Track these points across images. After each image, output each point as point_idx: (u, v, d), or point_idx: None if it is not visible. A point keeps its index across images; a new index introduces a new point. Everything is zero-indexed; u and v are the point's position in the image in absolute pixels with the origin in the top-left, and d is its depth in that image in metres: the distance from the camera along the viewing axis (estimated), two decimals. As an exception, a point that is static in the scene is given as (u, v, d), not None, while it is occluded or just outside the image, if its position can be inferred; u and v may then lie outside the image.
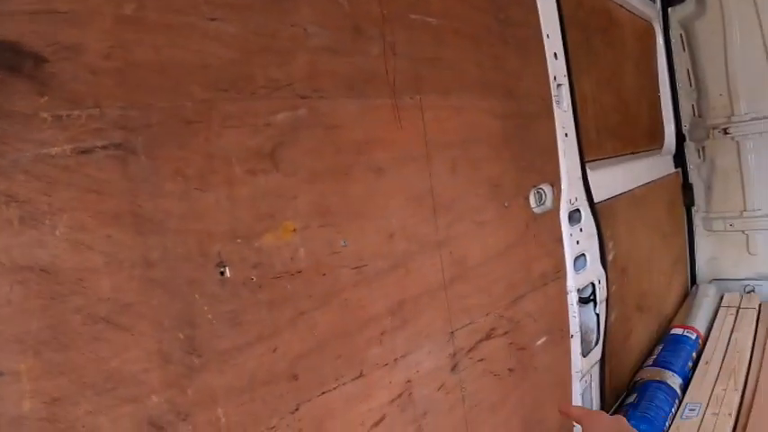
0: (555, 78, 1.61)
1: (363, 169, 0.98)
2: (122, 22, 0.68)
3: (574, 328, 1.58)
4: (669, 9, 3.09)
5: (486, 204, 1.29)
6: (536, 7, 1.58)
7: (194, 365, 0.72)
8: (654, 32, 2.97)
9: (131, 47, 0.69)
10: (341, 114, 0.96)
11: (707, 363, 2.27)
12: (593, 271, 1.70)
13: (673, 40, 3.12)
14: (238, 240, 0.78)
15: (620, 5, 2.51)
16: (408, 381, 1.06)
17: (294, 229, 0.86)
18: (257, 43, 0.84)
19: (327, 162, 0.92)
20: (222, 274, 0.76)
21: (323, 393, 0.89)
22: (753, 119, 3.01)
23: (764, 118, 2.99)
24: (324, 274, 0.90)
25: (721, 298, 3.01)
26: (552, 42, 1.62)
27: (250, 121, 0.81)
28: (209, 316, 0.74)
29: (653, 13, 2.92)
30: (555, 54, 1.63)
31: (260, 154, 0.82)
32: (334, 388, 0.91)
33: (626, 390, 2.08)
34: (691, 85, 3.17)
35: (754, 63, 2.99)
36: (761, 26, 2.94)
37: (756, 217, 3.10)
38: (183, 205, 0.72)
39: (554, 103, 1.60)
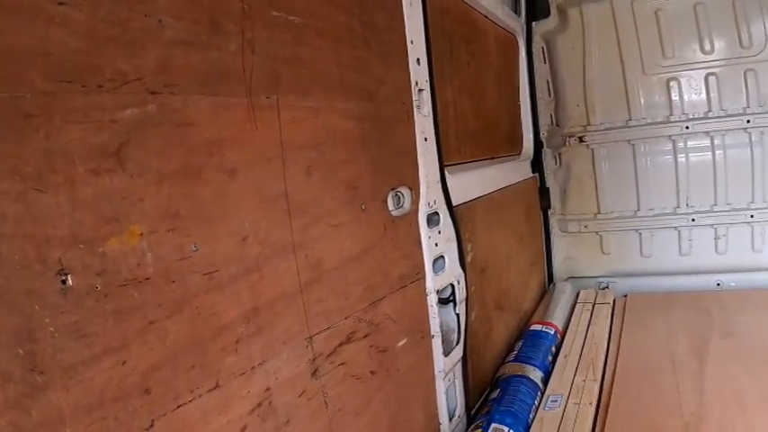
0: (417, 84, 1.80)
1: (215, 170, 1.04)
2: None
3: (434, 328, 1.79)
4: (533, 23, 3.60)
5: (343, 207, 1.42)
6: (402, 13, 1.75)
7: (37, 384, 0.73)
8: (517, 44, 3.42)
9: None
10: (193, 112, 1.00)
11: (566, 356, 2.66)
12: (452, 272, 1.93)
13: (535, 53, 3.63)
14: (81, 246, 0.79)
15: (486, 17, 2.85)
16: (268, 389, 1.14)
17: (141, 234, 0.89)
18: (107, 32, 0.85)
19: (177, 162, 0.96)
20: (64, 282, 0.77)
21: (178, 407, 0.94)
22: (607, 128, 3.62)
23: (618, 128, 3.61)
24: (173, 281, 0.94)
25: (578, 294, 3.53)
26: (416, 48, 1.81)
27: (95, 116, 0.82)
28: (51, 329, 0.75)
29: (517, 26, 3.37)
30: (418, 60, 1.82)
31: (105, 152, 0.83)
32: (190, 400, 0.96)
33: (490, 385, 2.37)
34: (550, 96, 3.72)
35: (610, 77, 3.59)
36: (619, 44, 3.55)
37: (609, 219, 3.72)
38: (20, 207, 0.72)
39: (414, 108, 1.78)
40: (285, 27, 1.24)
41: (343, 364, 1.38)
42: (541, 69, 3.69)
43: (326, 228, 1.36)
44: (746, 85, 3.38)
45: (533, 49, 3.63)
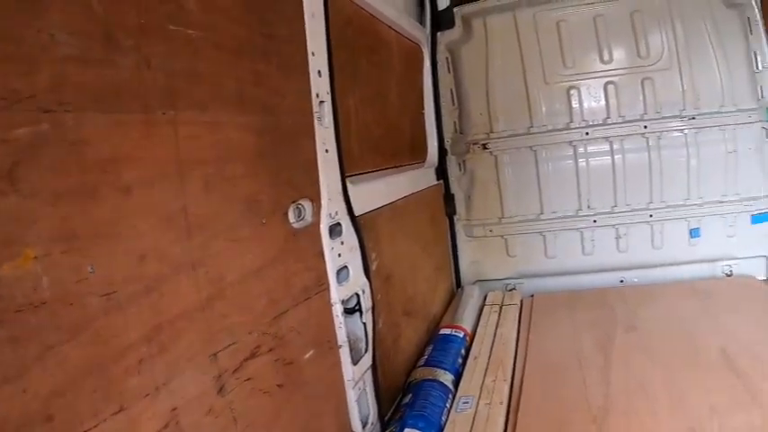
0: (318, 95, 1.87)
1: (111, 189, 1.06)
2: None
3: (341, 338, 1.88)
4: (438, 33, 3.82)
5: (243, 222, 1.47)
6: (303, 25, 1.82)
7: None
8: (422, 54, 3.61)
9: None
10: (88, 130, 1.01)
11: (476, 358, 2.84)
12: (357, 281, 2.03)
13: (439, 62, 3.84)
14: (-28, 273, 0.80)
15: (391, 27, 2.98)
16: (174, 409, 1.17)
17: (35, 257, 0.90)
18: (-2, 49, 0.85)
19: (72, 182, 0.98)
20: (-45, 312, 0.77)
21: (83, 433, 0.95)
22: (509, 135, 3.90)
23: (520, 135, 3.89)
24: (71, 304, 0.95)
25: (485, 297, 3.76)
26: (317, 60, 1.88)
27: (-15, 136, 0.82)
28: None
29: (422, 37, 3.56)
30: (319, 72, 1.89)
31: (-5, 173, 0.84)
32: (95, 426, 0.97)
33: (402, 391, 2.49)
34: (454, 104, 3.97)
35: (512, 86, 3.87)
36: (521, 54, 3.84)
37: (513, 223, 4.00)
38: None
39: (315, 120, 1.86)
40: (183, 41, 1.27)
41: (249, 379, 1.42)
42: (446, 78, 3.91)
43: (227, 243, 1.40)
44: (644, 92, 3.75)
45: (438, 59, 3.84)
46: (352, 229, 2.04)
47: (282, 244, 1.63)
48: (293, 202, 1.71)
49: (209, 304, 1.31)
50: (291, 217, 1.69)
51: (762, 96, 3.63)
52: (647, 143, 3.78)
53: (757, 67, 3.60)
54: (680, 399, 2.25)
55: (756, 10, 3.50)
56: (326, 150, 1.91)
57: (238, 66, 1.50)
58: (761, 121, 3.64)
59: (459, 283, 4.07)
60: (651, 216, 3.84)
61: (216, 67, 1.40)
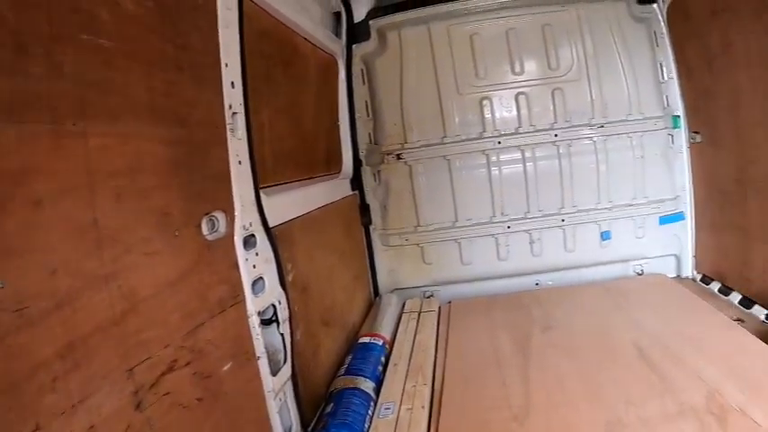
0: (231, 107, 1.91)
1: (21, 201, 1.07)
2: None
3: (259, 349, 1.92)
4: (354, 45, 3.93)
5: (156, 234, 1.49)
6: (217, 36, 1.85)
7: None
8: (337, 66, 3.72)
9: None
10: None
11: (396, 364, 2.95)
12: (273, 293, 2.08)
13: (354, 74, 3.96)
14: None
15: (307, 40, 3.06)
16: (91, 426, 1.18)
17: None
18: None
19: None
20: None
21: (-1, 454, 0.95)
22: (423, 145, 4.07)
23: (434, 145, 4.06)
24: None
25: (404, 305, 3.89)
26: (231, 71, 1.92)
27: None
28: None
29: (338, 49, 3.67)
30: (232, 83, 1.93)
31: None
32: None
33: (325, 400, 2.54)
34: (368, 116, 4.09)
35: (426, 97, 4.05)
36: (435, 66, 4.02)
37: (428, 231, 4.16)
38: None
39: (228, 132, 1.89)
40: (94, 51, 1.29)
41: (167, 393, 1.44)
42: (361, 90, 4.04)
43: (140, 256, 1.41)
44: (554, 102, 4.03)
45: (353, 71, 3.95)
46: (266, 241, 2.08)
47: (196, 256, 1.66)
48: (206, 213, 1.74)
49: (124, 319, 1.33)
50: (205, 229, 1.72)
51: (667, 105, 3.98)
52: (558, 151, 4.05)
53: (663, 78, 3.94)
54: (597, 392, 2.43)
55: (662, 24, 3.83)
56: (240, 162, 1.95)
57: (151, 76, 1.52)
58: (666, 128, 3.98)
59: (377, 292, 4.20)
60: (563, 221, 4.11)
61: (128, 78, 1.42)
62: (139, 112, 1.48)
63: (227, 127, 1.89)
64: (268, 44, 2.54)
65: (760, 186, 3.09)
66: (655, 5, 3.82)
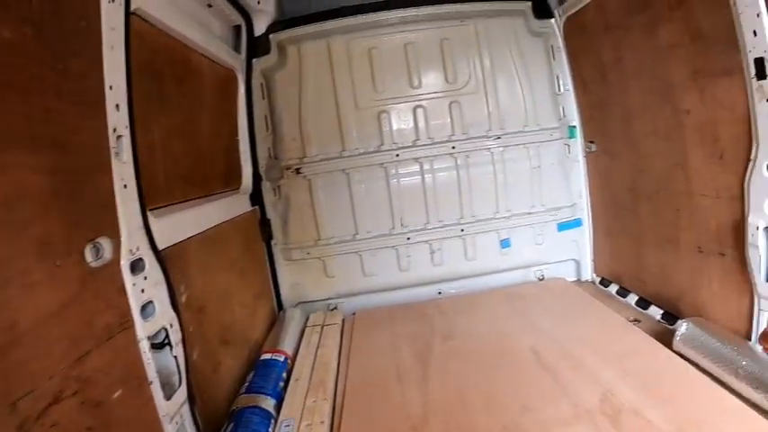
0: (115, 130, 1.92)
1: None
2: None
3: (151, 374, 1.96)
4: (253, 59, 4.00)
5: (36, 265, 1.51)
6: (101, 58, 1.86)
7: None
8: (237, 80, 3.77)
9: None
10: None
11: (297, 380, 3.02)
12: (164, 316, 2.12)
13: (254, 88, 4.03)
14: None
15: (203, 55, 3.09)
16: None
17: None
18: None
19: None
20: None
21: None
22: (322, 159, 4.20)
23: (332, 158, 4.20)
24: None
25: (307, 319, 3.99)
26: (115, 94, 1.93)
27: None
28: None
29: (237, 63, 3.73)
30: (117, 106, 1.93)
31: None
32: None
33: (226, 420, 2.58)
34: (268, 130, 4.17)
35: (324, 111, 4.18)
36: (333, 80, 4.16)
37: (330, 245, 4.30)
38: None
39: (113, 155, 1.91)
40: None
41: (54, 425, 1.45)
42: (260, 104, 4.11)
43: (19, 289, 1.43)
44: (451, 115, 4.26)
45: (253, 85, 4.02)
46: (156, 264, 2.12)
47: (80, 285, 1.68)
48: (90, 240, 1.75)
49: (4, 352, 1.34)
50: (89, 256, 1.74)
51: (563, 116, 4.29)
52: (456, 162, 4.29)
53: (559, 90, 4.24)
54: (495, 398, 2.59)
55: (559, 38, 4.14)
56: (125, 186, 1.97)
57: (29, 104, 1.52)
58: (562, 138, 4.30)
59: (281, 307, 4.28)
60: (463, 230, 4.35)
61: (3, 107, 1.43)
62: (18, 141, 1.49)
63: (112, 151, 1.91)
64: (161, 62, 2.56)
65: (651, 194, 3.40)
66: (552, 20, 4.12)
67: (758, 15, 2.19)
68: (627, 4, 3.20)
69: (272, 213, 4.23)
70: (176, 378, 2.15)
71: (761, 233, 2.44)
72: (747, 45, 2.28)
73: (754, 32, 2.22)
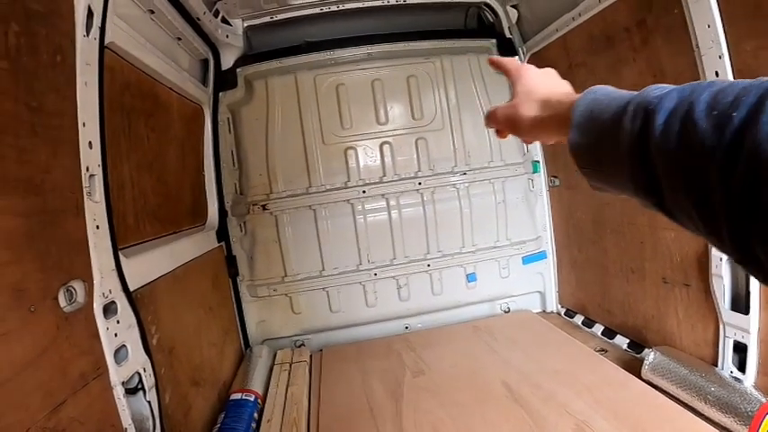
0: (88, 169, 1.88)
1: None
2: None
3: (126, 421, 1.89)
4: (220, 93, 3.99)
5: (9, 313, 1.44)
6: (75, 95, 1.82)
7: None
8: (204, 115, 3.75)
9: None
10: None
11: (269, 420, 2.98)
12: (137, 360, 2.06)
13: (221, 123, 4.01)
14: None
15: (171, 89, 3.07)
16: None
17: None
18: None
19: None
20: None
21: None
22: (288, 195, 4.18)
23: (299, 195, 4.19)
24: None
25: (275, 356, 3.94)
26: (88, 131, 1.88)
27: None
28: None
29: (204, 97, 3.71)
30: (90, 143, 1.89)
31: None
32: None
33: None
34: (234, 165, 4.14)
35: (291, 147, 4.18)
36: (300, 115, 4.18)
37: (296, 281, 4.26)
38: None
39: (85, 195, 1.86)
40: None
41: None
42: (227, 139, 4.09)
43: None
44: (417, 151, 4.32)
45: (219, 120, 4.01)
46: (128, 306, 2.06)
47: (54, 331, 1.62)
48: (63, 284, 1.70)
49: None
50: (62, 301, 1.68)
51: (527, 151, 4.40)
52: (422, 198, 4.33)
53: None
54: None
55: None
56: (97, 227, 1.92)
57: (2, 143, 1.47)
58: (527, 173, 4.40)
59: (247, 344, 4.20)
60: (429, 265, 4.38)
61: None
62: (-8, 184, 1.43)
63: (84, 190, 1.86)
64: (131, 97, 2.53)
65: (615, 227, 3.48)
66: (516, 58, 4.20)
67: (720, 57, 2.29)
68: (591, 44, 3.31)
69: (238, 250, 4.18)
70: (150, 423, 2.08)
71: (724, 264, 2.53)
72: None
73: (716, 73, 2.32)
